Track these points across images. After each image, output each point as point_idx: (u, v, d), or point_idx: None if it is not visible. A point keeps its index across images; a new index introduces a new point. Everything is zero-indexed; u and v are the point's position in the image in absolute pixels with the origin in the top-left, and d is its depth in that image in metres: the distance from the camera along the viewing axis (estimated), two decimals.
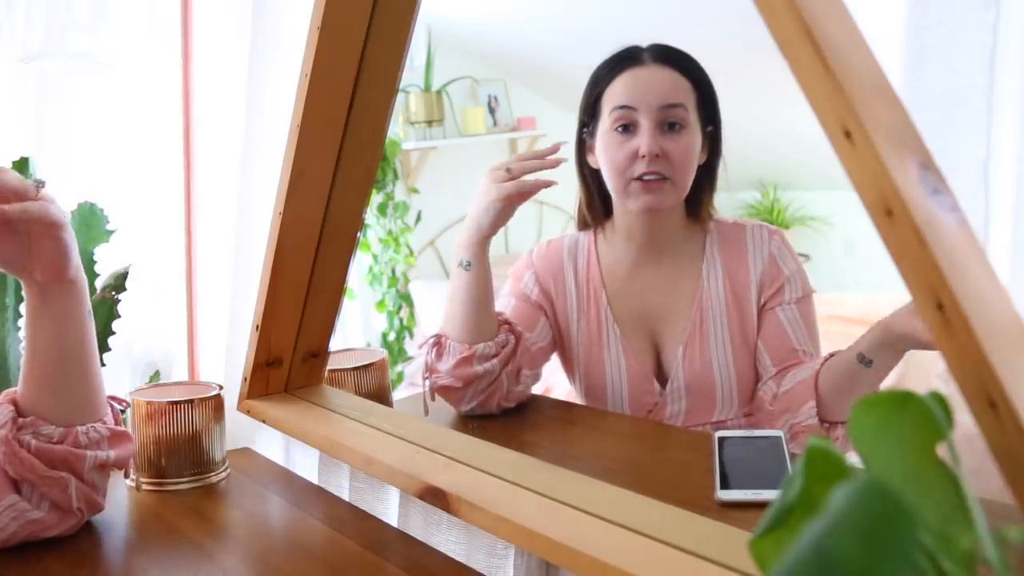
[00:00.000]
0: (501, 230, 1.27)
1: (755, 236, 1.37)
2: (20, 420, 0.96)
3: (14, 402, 0.98)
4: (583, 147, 1.39)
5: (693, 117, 1.31)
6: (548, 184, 1.23)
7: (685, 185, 1.32)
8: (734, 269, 1.36)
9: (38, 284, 0.94)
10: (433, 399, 1.28)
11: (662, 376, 1.36)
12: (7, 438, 0.94)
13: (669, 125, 1.29)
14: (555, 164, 1.24)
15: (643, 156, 1.27)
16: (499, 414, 1.30)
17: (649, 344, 1.38)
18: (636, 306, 1.38)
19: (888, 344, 1.14)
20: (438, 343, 1.29)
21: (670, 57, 1.32)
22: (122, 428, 1.05)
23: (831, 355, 1.24)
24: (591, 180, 1.40)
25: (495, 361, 1.25)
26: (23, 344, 0.99)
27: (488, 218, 1.24)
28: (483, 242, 1.25)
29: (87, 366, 1.00)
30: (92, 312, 1.00)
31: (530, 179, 1.23)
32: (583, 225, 1.45)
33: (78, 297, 0.97)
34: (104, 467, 1.02)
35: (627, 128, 1.30)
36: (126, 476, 1.12)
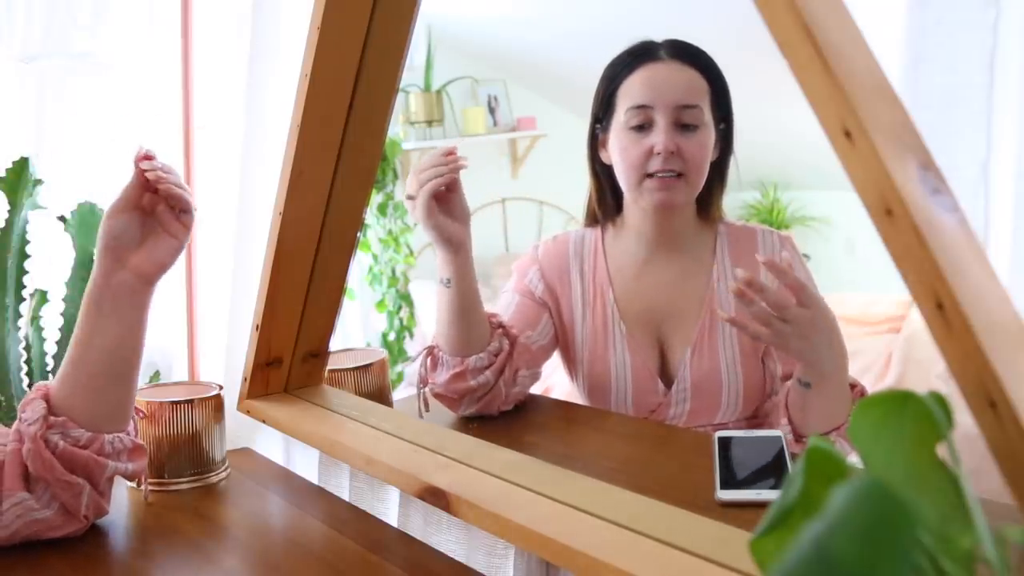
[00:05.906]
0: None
1: (766, 241, 1.37)
2: (51, 419, 0.95)
3: (47, 398, 0.96)
4: (595, 141, 1.38)
5: (708, 116, 1.30)
6: (451, 172, 1.17)
7: (698, 183, 1.32)
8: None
9: (123, 275, 0.95)
10: (428, 409, 1.28)
11: (667, 376, 1.36)
12: (35, 436, 0.93)
13: (685, 124, 1.28)
14: (456, 169, 1.18)
15: (658, 153, 1.27)
16: (498, 414, 1.30)
17: (655, 344, 1.37)
18: (643, 305, 1.37)
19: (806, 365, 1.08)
20: (431, 355, 1.28)
21: (687, 54, 1.31)
22: (141, 441, 1.04)
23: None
24: (603, 175, 1.39)
25: (489, 373, 1.24)
26: (70, 341, 0.97)
27: (432, 238, 1.22)
28: (454, 259, 1.23)
29: (131, 375, 0.99)
30: None
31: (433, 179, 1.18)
32: (591, 221, 1.44)
33: (147, 305, 0.98)
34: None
35: (642, 125, 1.29)
36: (138, 485, 1.10)
